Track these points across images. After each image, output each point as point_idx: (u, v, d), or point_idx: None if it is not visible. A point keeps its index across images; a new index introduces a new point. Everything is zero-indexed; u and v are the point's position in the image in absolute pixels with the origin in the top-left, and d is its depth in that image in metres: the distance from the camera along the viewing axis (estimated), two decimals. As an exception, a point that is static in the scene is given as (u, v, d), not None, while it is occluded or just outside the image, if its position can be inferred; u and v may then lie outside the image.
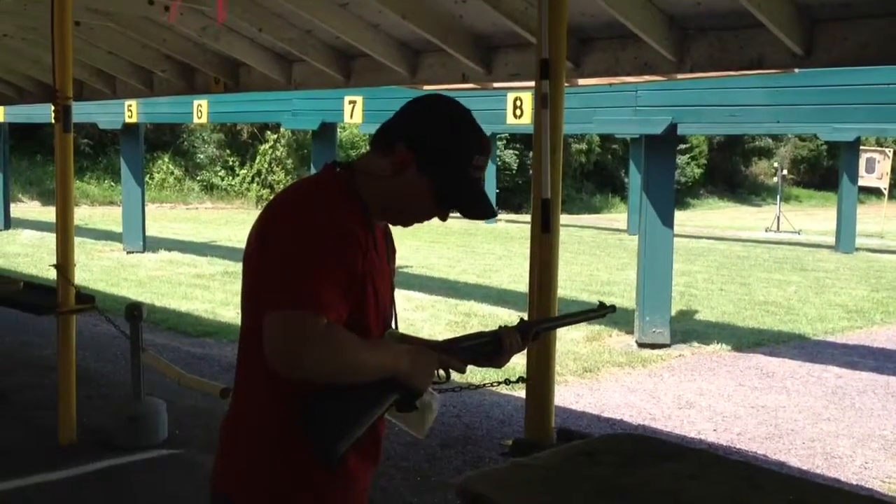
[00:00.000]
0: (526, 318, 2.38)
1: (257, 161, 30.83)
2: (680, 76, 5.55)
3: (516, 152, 31.66)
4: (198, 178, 30.32)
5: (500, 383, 3.67)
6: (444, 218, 1.99)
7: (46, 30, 5.32)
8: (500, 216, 26.48)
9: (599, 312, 2.42)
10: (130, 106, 14.54)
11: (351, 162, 1.99)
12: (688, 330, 9.74)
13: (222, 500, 1.95)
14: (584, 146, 34.90)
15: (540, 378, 3.48)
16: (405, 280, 11.77)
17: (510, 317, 9.48)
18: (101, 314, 5.65)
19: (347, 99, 11.90)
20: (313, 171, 14.78)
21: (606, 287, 12.18)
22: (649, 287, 8.97)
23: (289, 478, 1.87)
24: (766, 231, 23.76)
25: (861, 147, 20.95)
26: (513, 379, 3.57)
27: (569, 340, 8.89)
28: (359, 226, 1.87)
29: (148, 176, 26.53)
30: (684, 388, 7.47)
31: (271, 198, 2.01)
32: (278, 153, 30.96)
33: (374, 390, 1.86)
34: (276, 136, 30.60)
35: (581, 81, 5.89)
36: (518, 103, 10.07)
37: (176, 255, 15.46)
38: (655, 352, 8.71)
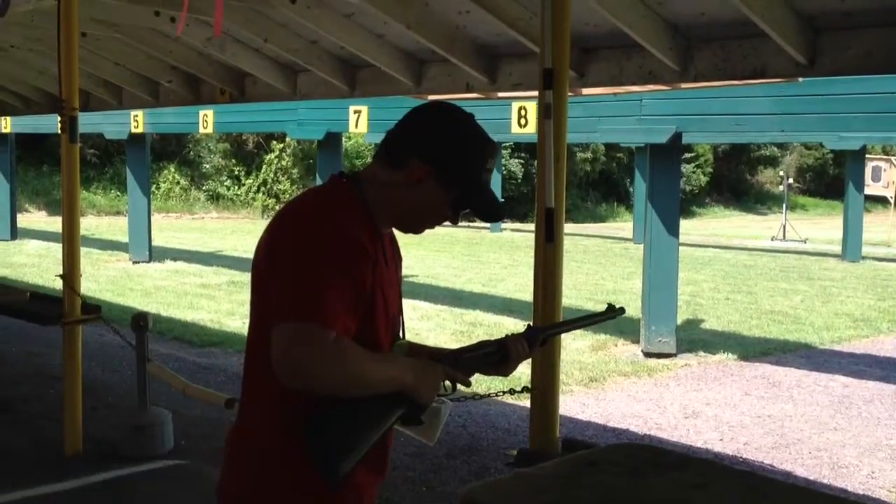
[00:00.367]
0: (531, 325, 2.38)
1: (263, 171, 30.91)
2: (684, 85, 5.56)
3: (521, 161, 31.69)
4: (203, 187, 30.40)
5: (504, 393, 3.67)
6: (455, 222, 2.03)
7: (53, 41, 5.35)
8: (505, 225, 26.50)
9: (608, 315, 2.41)
10: (136, 116, 14.59)
11: (357, 172, 2.00)
12: (694, 339, 9.72)
13: None
14: (589, 155, 34.91)
15: (545, 388, 3.48)
16: (410, 289, 11.77)
17: (516, 326, 9.47)
18: (106, 324, 5.66)
19: (353, 109, 11.93)
20: (319, 180, 14.79)
21: (612, 296, 12.16)
22: (655, 296, 8.96)
23: (295, 490, 1.87)
24: (772, 240, 23.72)
25: (867, 155, 20.91)
26: (518, 389, 3.56)
27: (574, 350, 8.88)
28: (368, 236, 1.87)
29: (154, 186, 26.60)
30: (690, 398, 7.45)
31: (279, 208, 2.02)
32: (284, 163, 31.05)
33: (380, 405, 1.86)
34: (281, 145, 30.69)
35: (585, 91, 5.90)
36: (523, 113, 10.08)
37: (182, 264, 15.48)
38: (661, 361, 8.69)
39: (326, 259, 1.79)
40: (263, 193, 30.52)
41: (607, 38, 4.95)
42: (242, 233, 22.30)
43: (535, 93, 3.52)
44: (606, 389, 7.66)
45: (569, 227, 23.12)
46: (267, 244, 1.90)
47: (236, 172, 31.01)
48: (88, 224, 21.64)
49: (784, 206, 26.52)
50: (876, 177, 23.03)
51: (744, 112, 9.26)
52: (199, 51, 6.97)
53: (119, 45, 7.20)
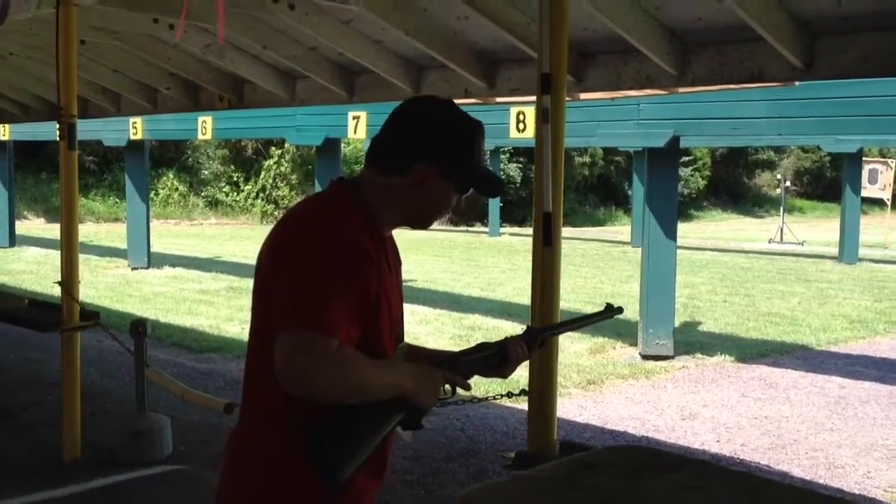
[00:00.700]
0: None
1: (262, 177, 30.92)
2: (681, 90, 5.58)
3: (520, 166, 31.71)
4: (202, 194, 30.40)
5: (502, 396, 3.69)
6: (460, 206, 2.13)
7: (52, 48, 5.36)
8: (503, 229, 26.51)
9: (607, 314, 2.42)
10: (135, 123, 14.60)
11: (356, 177, 2.02)
12: (691, 341, 9.74)
13: None
14: (587, 159, 34.94)
15: (542, 391, 3.49)
16: (409, 294, 11.71)
17: (514, 330, 9.47)
18: (105, 330, 5.67)
19: (351, 115, 11.95)
20: (318, 186, 14.82)
21: (610, 299, 12.01)
22: (653, 299, 8.98)
23: (296, 497, 1.88)
24: (770, 242, 23.75)
25: (864, 158, 20.95)
26: (515, 392, 3.58)
27: (572, 353, 8.90)
28: (371, 242, 1.89)
29: (153, 192, 26.60)
30: (688, 400, 7.47)
31: (278, 214, 2.05)
32: (283, 169, 31.06)
33: (380, 411, 1.87)
34: (280, 151, 30.70)
35: (583, 95, 5.92)
36: (521, 117, 10.11)
37: (180, 270, 15.49)
38: (659, 363, 8.71)
39: (330, 267, 1.81)
40: (262, 199, 30.53)
41: (605, 42, 4.97)
42: (241, 239, 22.30)
43: (534, 98, 3.54)
44: (604, 392, 7.68)
45: (567, 231, 23.12)
46: (270, 251, 1.91)
47: (235, 178, 31.02)
48: (87, 231, 21.65)
49: (781, 208, 26.55)
50: (873, 179, 23.05)
51: (741, 116, 9.29)
52: (197, 57, 6.99)
53: (118, 53, 7.22)
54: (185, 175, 30.32)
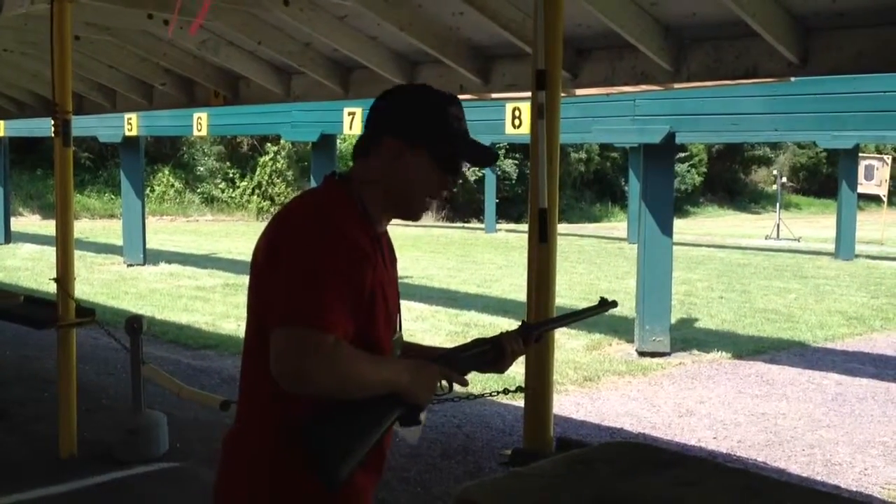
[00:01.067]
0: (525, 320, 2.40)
1: (258, 173, 30.90)
2: (676, 86, 5.58)
3: (516, 162, 31.71)
4: (198, 190, 30.38)
5: (499, 393, 3.68)
6: (452, 188, 2.04)
7: (46, 44, 5.35)
8: (499, 226, 26.52)
9: (601, 308, 2.43)
10: (130, 119, 14.58)
11: (347, 173, 2.02)
12: (688, 338, 9.75)
13: None
14: (583, 155, 34.95)
15: (539, 387, 3.49)
16: (405, 290, 11.71)
17: (510, 326, 9.43)
18: (101, 327, 5.67)
19: (346, 111, 11.94)
20: (313, 182, 14.80)
21: (606, 296, 12.07)
22: (649, 295, 8.98)
23: (292, 493, 1.87)
24: (766, 239, 23.79)
25: (860, 154, 20.97)
26: (511, 388, 3.57)
27: (569, 349, 8.90)
28: (366, 236, 1.89)
29: (148, 189, 26.59)
30: (684, 396, 7.48)
31: (275, 210, 2.04)
32: (279, 165, 31.03)
33: (378, 407, 1.87)
34: (276, 148, 30.67)
35: (578, 91, 5.91)
36: (517, 113, 10.10)
37: (176, 267, 15.47)
38: (655, 360, 8.72)
39: (324, 262, 1.80)
40: (258, 196, 30.51)
41: (600, 38, 4.96)
42: (237, 235, 22.29)
43: (529, 94, 3.53)
44: (601, 389, 7.68)
45: (563, 228, 23.22)
46: (264, 247, 1.90)
47: (231, 175, 31.00)
48: (83, 227, 21.62)
49: (778, 205, 26.60)
50: (869, 175, 23.08)
51: (737, 112, 9.29)
52: (192, 53, 6.98)
53: (112, 49, 7.20)
54: (181, 171, 30.29)
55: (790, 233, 23.57)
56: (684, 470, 2.31)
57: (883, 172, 23.58)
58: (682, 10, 4.50)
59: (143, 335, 5.64)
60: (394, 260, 2.12)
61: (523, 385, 3.52)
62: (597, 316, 2.53)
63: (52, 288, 5.66)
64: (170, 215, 28.69)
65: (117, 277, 14.07)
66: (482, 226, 26.82)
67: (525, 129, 9.46)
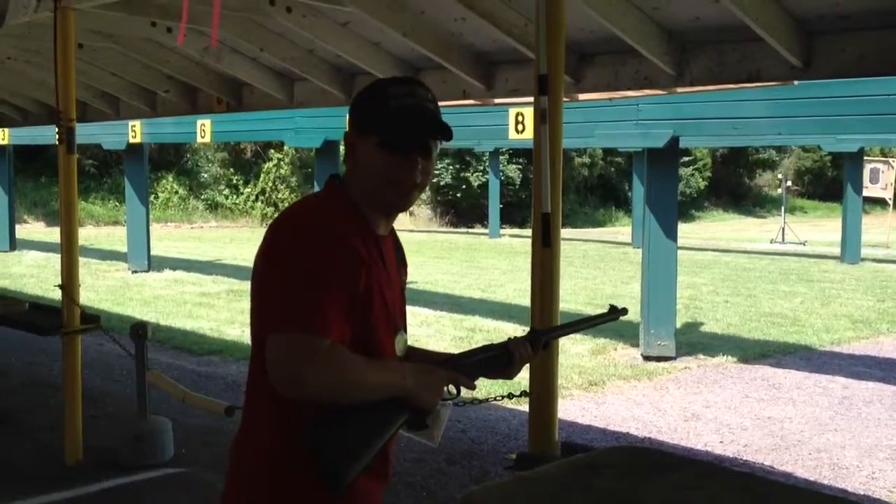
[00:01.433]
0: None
1: (261, 179, 30.95)
2: (679, 90, 5.58)
3: (519, 167, 31.72)
4: (202, 197, 30.43)
5: (504, 397, 3.68)
6: (412, 169, 1.93)
7: (50, 52, 5.37)
8: (503, 231, 26.51)
9: (611, 316, 2.40)
10: (134, 126, 14.62)
11: (343, 177, 2.02)
12: (693, 342, 9.73)
13: None
14: (587, 160, 34.94)
15: (544, 392, 3.49)
16: (410, 295, 11.65)
17: (515, 331, 9.46)
18: (106, 334, 5.68)
19: (349, 116, 11.94)
20: (317, 188, 14.82)
21: (611, 300, 12.06)
22: (654, 300, 8.97)
23: (296, 499, 1.87)
24: (772, 242, 23.75)
25: (865, 157, 20.94)
26: (516, 393, 3.57)
27: (574, 354, 8.89)
28: (360, 238, 1.88)
29: (152, 195, 26.64)
30: (690, 401, 7.46)
31: (275, 216, 2.04)
32: (282, 171, 31.09)
33: (383, 412, 1.86)
34: (279, 154, 30.72)
35: (581, 96, 5.92)
36: (520, 119, 10.11)
37: (181, 273, 15.49)
38: (661, 364, 8.70)
39: (317, 267, 1.80)
40: (262, 202, 30.56)
41: (603, 43, 4.97)
42: (241, 241, 22.30)
43: (532, 99, 3.53)
44: (606, 393, 7.67)
45: (567, 232, 23.19)
46: (262, 254, 1.90)
47: (234, 181, 31.05)
48: (87, 234, 21.66)
49: (783, 208, 26.56)
50: (874, 179, 23.05)
51: (741, 115, 9.29)
52: (195, 61, 6.99)
53: (116, 56, 7.22)
54: (185, 178, 30.34)
55: (795, 236, 23.53)
56: (690, 474, 2.30)
57: (888, 176, 23.55)
58: (684, 15, 4.50)
59: (147, 341, 5.65)
60: (401, 263, 2.11)
61: (528, 390, 3.52)
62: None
63: (57, 295, 5.67)
64: (174, 222, 28.74)
65: (122, 284, 14.09)
66: (486, 231, 26.82)
67: (528, 134, 9.46)
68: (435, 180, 32.34)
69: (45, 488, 5.02)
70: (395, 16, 5.13)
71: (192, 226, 28.91)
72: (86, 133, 13.30)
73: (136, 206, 15.81)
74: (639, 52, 4.69)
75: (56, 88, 5.31)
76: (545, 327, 2.92)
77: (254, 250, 1.99)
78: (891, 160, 24.74)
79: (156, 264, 15.92)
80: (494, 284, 14.63)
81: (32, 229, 24.50)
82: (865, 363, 9.03)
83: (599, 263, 18.29)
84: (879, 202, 28.20)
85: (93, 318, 5.61)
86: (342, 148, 20.27)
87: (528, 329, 2.32)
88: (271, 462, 1.88)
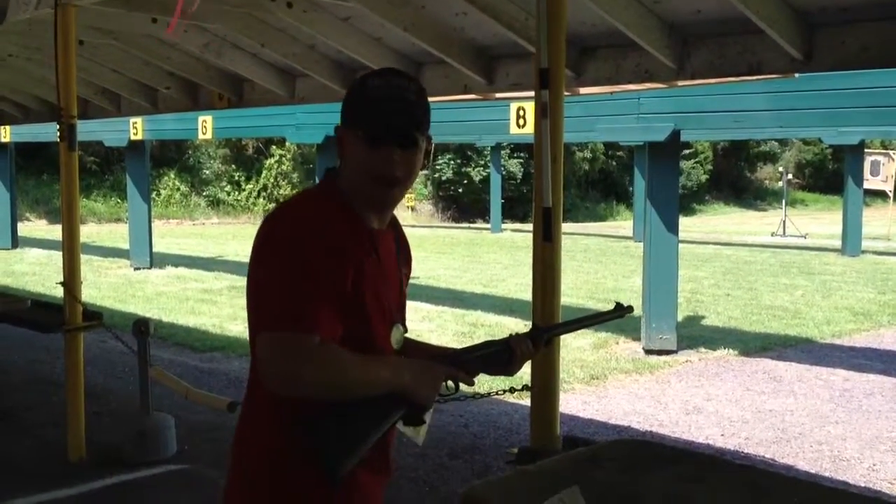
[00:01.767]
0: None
1: (263, 176, 30.96)
2: (681, 83, 5.57)
3: (521, 161, 31.71)
4: (204, 193, 30.43)
5: (505, 392, 3.68)
6: (389, 161, 1.89)
7: (51, 49, 5.36)
8: (505, 225, 26.51)
9: (616, 313, 2.37)
10: (136, 123, 14.62)
11: (338, 171, 2.00)
12: (695, 335, 9.73)
13: None
14: (588, 154, 34.93)
15: (545, 386, 3.49)
16: (411, 290, 11.65)
17: (517, 326, 9.49)
18: (108, 330, 5.68)
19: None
20: (318, 184, 14.80)
21: (613, 294, 12.15)
22: (655, 293, 8.97)
23: (294, 492, 1.87)
24: (773, 235, 23.75)
25: (866, 150, 20.92)
26: (518, 387, 3.57)
27: (575, 348, 8.90)
28: (351, 235, 1.87)
29: (154, 192, 26.64)
30: (692, 394, 7.47)
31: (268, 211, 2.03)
32: (284, 167, 31.11)
33: (380, 406, 1.86)
34: (281, 150, 30.72)
35: (582, 90, 5.91)
36: (521, 113, 10.10)
37: (183, 270, 15.50)
38: (662, 358, 8.71)
39: (305, 264, 1.78)
40: (264, 198, 30.58)
41: (604, 37, 4.96)
42: (243, 238, 22.30)
43: (533, 93, 3.53)
44: (608, 387, 7.68)
45: (569, 227, 23.19)
46: (253, 252, 1.89)
47: (236, 178, 31.05)
48: (89, 232, 21.68)
49: (784, 201, 26.56)
50: (875, 171, 23.04)
51: (742, 108, 9.28)
52: (196, 57, 6.98)
53: (117, 53, 7.21)
54: (187, 175, 30.35)
55: (796, 229, 23.52)
56: (692, 467, 2.31)
57: (889, 168, 23.53)
58: (685, 8, 4.50)
59: (150, 338, 5.66)
60: (403, 257, 2.09)
61: (529, 384, 3.52)
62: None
63: (59, 292, 5.68)
64: (176, 219, 28.75)
65: (124, 281, 14.10)
66: (488, 226, 26.82)
67: (529, 128, 9.46)
68: (436, 175, 32.39)
69: (47, 485, 5.03)
70: (395, 11, 5.12)
71: (194, 222, 28.92)
72: (87, 130, 13.30)
73: (138, 203, 15.82)
74: (640, 45, 4.68)
75: (57, 85, 5.31)
76: (548, 324, 2.90)
77: (255, 248, 1.98)
78: (891, 152, 24.72)
79: (158, 261, 15.94)
80: (496, 279, 14.64)
81: (34, 227, 24.51)
82: (866, 355, 9.03)
83: (601, 257, 18.29)
84: (880, 195, 28.18)
85: (95, 315, 5.62)
86: (343, 143, 20.29)
87: (530, 324, 2.31)
88: (271, 458, 1.88)
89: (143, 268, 15.39)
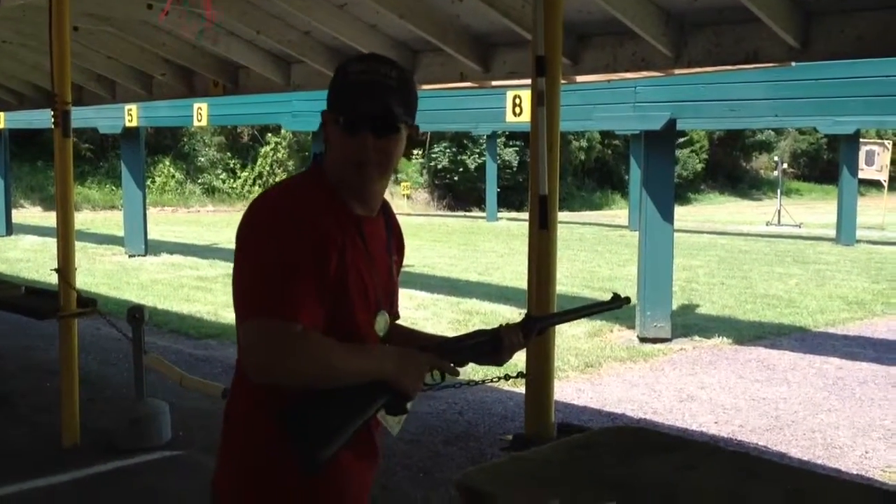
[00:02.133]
0: (528, 313, 2.36)
1: (258, 163, 30.90)
2: (677, 71, 5.56)
3: (517, 150, 31.67)
4: (199, 181, 30.37)
5: (500, 379, 3.69)
6: (366, 148, 1.87)
7: (45, 35, 5.34)
8: (500, 214, 26.50)
9: (612, 305, 2.33)
10: (130, 110, 14.57)
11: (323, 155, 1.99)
12: (689, 324, 9.76)
13: (217, 499, 1.96)
14: (584, 143, 34.90)
15: (539, 373, 3.50)
16: (407, 279, 11.77)
17: (512, 314, 9.50)
18: (102, 317, 5.67)
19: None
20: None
21: (608, 283, 12.18)
22: (650, 282, 8.99)
23: (279, 477, 1.87)
24: (767, 225, 23.79)
25: (861, 139, 20.95)
26: (513, 375, 3.58)
27: (570, 336, 8.91)
28: (334, 221, 1.85)
29: (149, 180, 26.58)
30: (685, 382, 7.49)
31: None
32: (279, 155, 31.03)
33: (361, 395, 1.84)
34: (277, 138, 30.65)
35: (579, 78, 5.90)
36: (517, 101, 10.09)
37: (178, 258, 15.48)
38: (657, 346, 8.73)
39: (285, 251, 1.77)
40: (259, 186, 30.50)
41: (600, 25, 4.95)
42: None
43: (529, 81, 3.53)
44: (602, 375, 7.69)
45: (564, 216, 23.20)
46: (236, 237, 1.89)
47: (231, 165, 30.99)
48: (84, 219, 21.64)
49: (779, 191, 26.61)
50: (870, 161, 23.06)
51: (738, 97, 9.28)
52: (191, 43, 6.96)
53: (111, 39, 7.19)
54: (182, 162, 30.27)
55: (791, 219, 23.57)
56: (685, 454, 2.32)
57: (884, 158, 23.55)
58: (681, -4, 4.49)
59: (144, 325, 5.65)
60: (393, 244, 2.08)
61: (524, 371, 3.53)
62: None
63: (53, 279, 5.67)
64: (171, 206, 28.69)
65: (119, 268, 14.08)
66: (483, 214, 26.82)
67: (526, 117, 9.45)
68: (432, 164, 32.35)
69: (42, 471, 5.03)
70: (391, -3, 5.11)
71: (189, 210, 28.86)
72: (82, 117, 13.26)
73: (133, 191, 15.77)
74: (637, 33, 4.68)
75: (51, 71, 5.29)
76: (540, 314, 2.88)
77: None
78: (886, 142, 24.73)
79: (153, 248, 15.92)
80: (492, 267, 14.65)
81: (28, 214, 24.45)
82: (860, 344, 9.06)
83: (596, 246, 18.30)
84: (875, 184, 28.21)
85: (89, 302, 5.61)
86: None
87: (525, 312, 2.30)
88: (257, 442, 1.88)
89: (138, 255, 15.37)
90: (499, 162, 27.74)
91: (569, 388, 7.10)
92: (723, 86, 9.02)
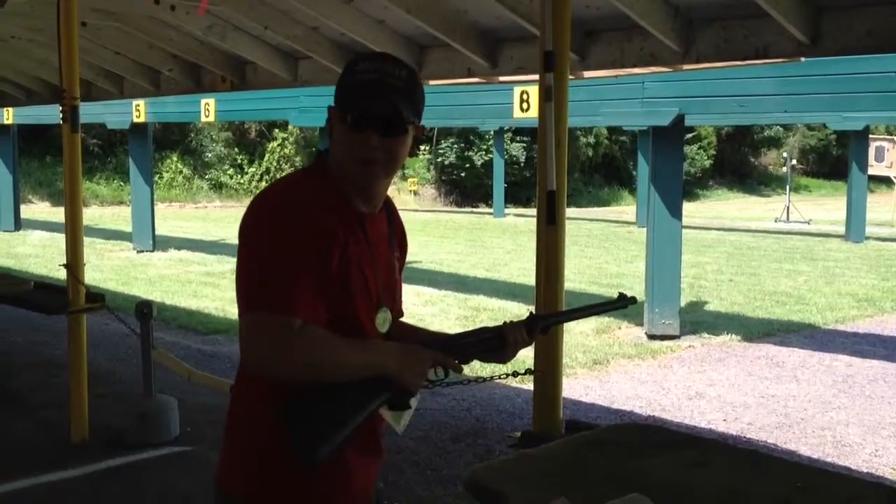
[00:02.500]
0: (534, 311, 2.34)
1: (266, 159, 30.94)
2: (685, 67, 5.54)
3: (524, 146, 31.63)
4: (206, 176, 30.42)
5: (508, 376, 3.68)
6: (369, 146, 1.86)
7: (53, 31, 5.34)
8: (508, 210, 26.48)
9: (618, 304, 2.32)
10: (138, 106, 14.60)
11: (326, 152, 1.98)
12: (697, 321, 9.73)
13: (220, 495, 1.96)
14: (591, 139, 34.84)
15: (548, 370, 3.49)
16: (414, 275, 11.77)
17: (520, 310, 9.49)
18: (111, 313, 5.68)
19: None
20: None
21: (616, 279, 12.17)
22: (658, 279, 8.97)
23: (279, 472, 1.87)
24: (776, 221, 23.71)
25: (870, 136, 20.86)
26: (521, 371, 3.57)
27: (578, 333, 8.90)
28: (337, 217, 1.85)
29: (157, 175, 26.64)
30: (694, 379, 7.47)
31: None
32: (287, 151, 31.07)
33: (363, 390, 1.83)
34: (284, 133, 30.67)
35: (587, 74, 5.88)
36: (525, 97, 10.09)
37: (186, 253, 15.51)
38: (665, 343, 8.71)
39: (286, 245, 1.77)
40: (266, 182, 30.52)
41: (608, 20, 4.93)
42: (246, 221, 22.27)
43: (537, 76, 3.52)
44: (610, 372, 7.68)
45: (572, 212, 23.17)
46: (239, 232, 1.88)
47: (239, 161, 31.03)
48: (92, 214, 21.69)
49: (787, 187, 26.51)
50: (879, 157, 22.98)
51: (747, 93, 9.25)
52: (199, 39, 6.96)
53: (119, 34, 7.19)
54: (189, 158, 30.33)
55: (800, 215, 23.49)
56: (694, 451, 2.31)
57: (893, 154, 23.46)
58: (690, -9, 4.47)
59: (153, 320, 5.66)
60: (397, 237, 2.06)
61: (532, 368, 3.52)
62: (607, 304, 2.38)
63: (62, 274, 5.68)
64: (179, 202, 28.74)
65: (127, 264, 14.11)
66: (491, 210, 26.79)
67: (533, 112, 9.44)
68: (439, 160, 32.33)
69: (50, 466, 5.04)
70: (398, -8, 5.10)
71: (197, 206, 28.91)
72: (90, 112, 13.27)
73: (141, 186, 15.81)
74: (645, 28, 4.65)
75: (59, 67, 5.29)
76: (546, 312, 2.86)
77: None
78: (896, 138, 24.65)
79: (161, 244, 15.95)
80: (499, 263, 14.63)
81: (37, 209, 24.53)
82: (869, 341, 9.03)
83: (604, 243, 18.27)
84: (884, 180, 28.12)
85: (98, 298, 5.62)
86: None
87: (532, 309, 2.29)
88: (260, 436, 1.88)
89: (146, 250, 15.40)
90: (506, 158, 27.70)
91: (577, 385, 7.09)
92: (731, 81, 8.99)
